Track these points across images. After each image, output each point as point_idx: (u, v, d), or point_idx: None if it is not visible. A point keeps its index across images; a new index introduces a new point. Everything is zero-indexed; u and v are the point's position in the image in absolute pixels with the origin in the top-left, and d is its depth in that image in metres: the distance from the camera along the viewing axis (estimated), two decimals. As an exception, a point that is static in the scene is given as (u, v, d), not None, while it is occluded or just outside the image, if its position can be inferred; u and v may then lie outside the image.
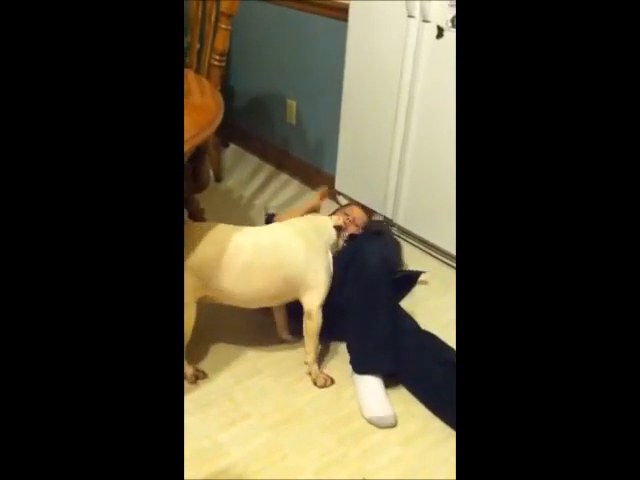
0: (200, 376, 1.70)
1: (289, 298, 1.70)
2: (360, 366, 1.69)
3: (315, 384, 1.71)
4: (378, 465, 1.49)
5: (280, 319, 1.84)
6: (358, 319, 1.72)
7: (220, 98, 1.60)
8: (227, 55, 1.93)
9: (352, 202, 2.44)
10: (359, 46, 2.37)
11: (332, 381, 1.72)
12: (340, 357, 1.81)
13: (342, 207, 2.35)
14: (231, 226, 1.64)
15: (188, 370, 1.68)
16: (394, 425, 1.60)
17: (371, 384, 1.66)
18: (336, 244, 1.77)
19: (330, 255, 1.71)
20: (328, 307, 1.75)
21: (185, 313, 1.55)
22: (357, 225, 2.19)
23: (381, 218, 2.49)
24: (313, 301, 1.64)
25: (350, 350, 1.74)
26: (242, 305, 1.69)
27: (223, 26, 1.83)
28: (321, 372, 1.72)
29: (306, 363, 1.72)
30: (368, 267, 1.72)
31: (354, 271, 1.73)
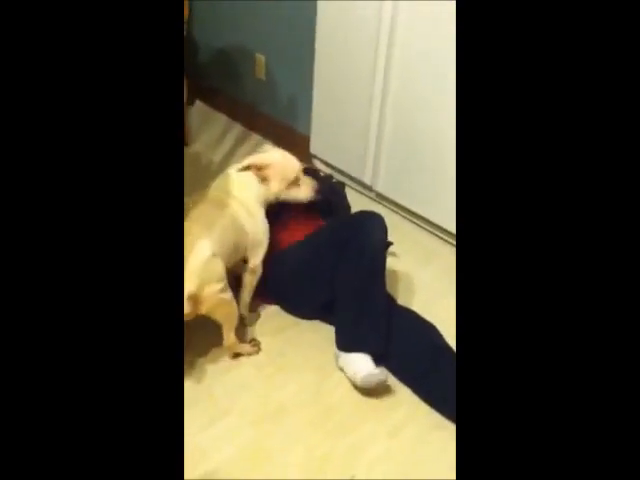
0: (258, 345, 1.72)
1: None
2: (350, 344, 1.63)
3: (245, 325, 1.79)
4: (367, 460, 1.46)
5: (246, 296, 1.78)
6: (356, 298, 1.64)
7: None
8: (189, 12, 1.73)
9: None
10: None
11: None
12: (318, 346, 1.74)
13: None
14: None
15: (245, 347, 1.69)
16: (385, 381, 1.58)
17: (360, 357, 1.60)
18: (270, 192, 1.71)
19: (262, 208, 1.71)
20: (319, 284, 1.71)
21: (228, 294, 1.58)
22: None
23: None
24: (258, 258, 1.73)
25: (340, 328, 1.66)
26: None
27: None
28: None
29: (242, 315, 1.76)
30: (372, 247, 1.63)
31: (356, 248, 1.64)
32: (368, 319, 1.63)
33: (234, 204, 1.65)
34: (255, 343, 1.72)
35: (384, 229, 1.70)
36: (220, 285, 1.54)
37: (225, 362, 1.67)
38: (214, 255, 1.53)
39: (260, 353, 1.71)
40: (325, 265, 1.70)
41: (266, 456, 1.44)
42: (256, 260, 1.72)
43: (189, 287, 1.45)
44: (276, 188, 1.71)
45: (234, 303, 1.61)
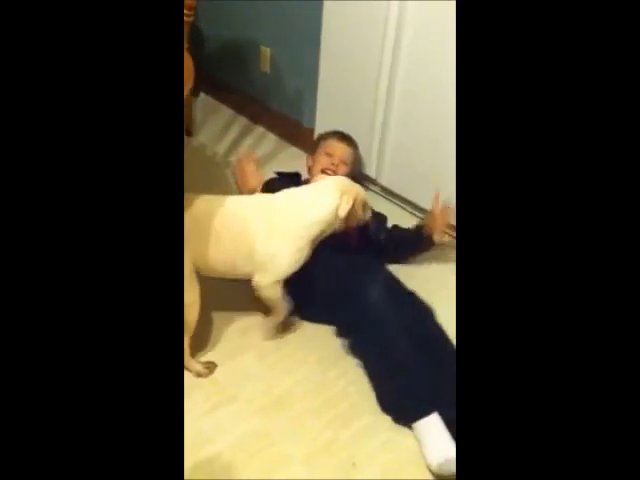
0: (212, 368, 1.60)
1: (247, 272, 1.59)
2: (402, 418, 1.51)
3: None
4: (368, 449, 1.46)
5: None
6: (377, 370, 1.57)
7: (189, 60, 1.43)
8: None
9: (328, 134, 2.14)
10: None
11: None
12: (321, 334, 1.74)
13: (319, 143, 2.12)
14: (213, 196, 1.61)
15: (196, 366, 1.58)
16: None
17: (429, 425, 1.44)
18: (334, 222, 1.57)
19: (308, 244, 1.56)
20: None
21: (191, 290, 1.50)
22: (346, 164, 2.05)
23: None
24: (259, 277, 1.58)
25: (380, 401, 1.55)
26: (215, 274, 1.59)
27: (191, -26, 1.62)
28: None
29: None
30: (371, 309, 1.56)
31: (353, 314, 1.58)
32: (399, 386, 1.51)
33: (260, 226, 1.54)
34: (209, 365, 1.59)
35: (384, 281, 1.63)
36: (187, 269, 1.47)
37: (228, 349, 1.68)
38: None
39: (263, 342, 1.71)
40: (328, 295, 1.70)
41: (269, 443, 1.45)
42: (258, 278, 1.57)
43: None
44: (356, 219, 1.63)
45: (195, 308, 1.51)
